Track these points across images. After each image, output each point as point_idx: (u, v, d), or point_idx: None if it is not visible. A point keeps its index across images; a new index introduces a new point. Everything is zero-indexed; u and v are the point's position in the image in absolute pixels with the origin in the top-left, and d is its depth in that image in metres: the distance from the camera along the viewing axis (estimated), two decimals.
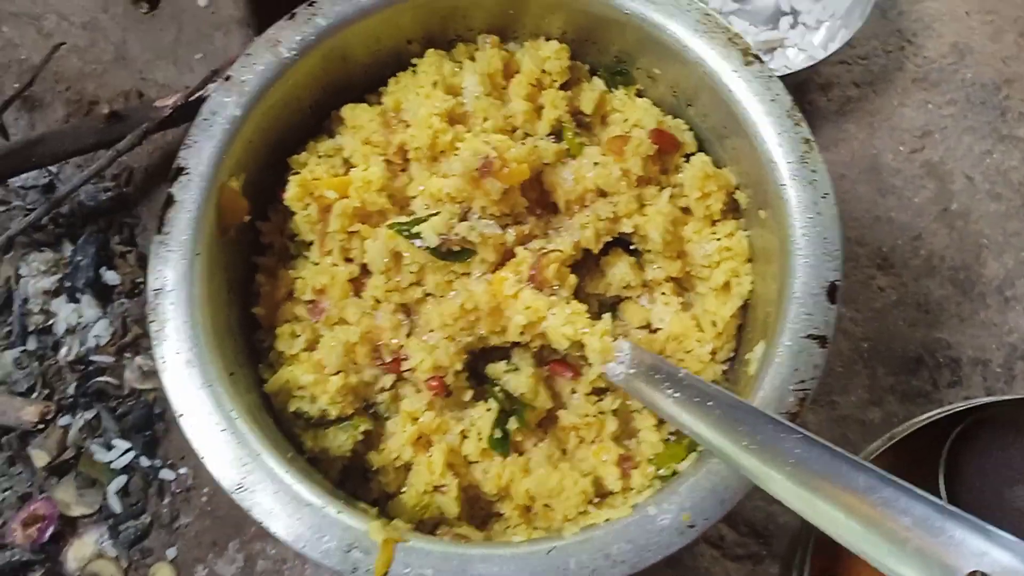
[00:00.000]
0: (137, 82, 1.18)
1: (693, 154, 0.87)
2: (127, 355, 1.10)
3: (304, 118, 0.87)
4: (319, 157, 0.85)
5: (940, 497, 0.91)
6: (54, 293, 1.13)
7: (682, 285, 0.88)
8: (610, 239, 0.85)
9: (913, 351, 1.05)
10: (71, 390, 1.08)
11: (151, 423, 1.07)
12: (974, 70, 1.21)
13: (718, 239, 0.85)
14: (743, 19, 1.20)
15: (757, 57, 0.78)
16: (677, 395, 0.70)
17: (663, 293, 0.87)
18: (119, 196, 1.16)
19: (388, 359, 0.79)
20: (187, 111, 1.07)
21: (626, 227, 0.84)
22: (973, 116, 1.18)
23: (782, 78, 1.03)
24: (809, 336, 0.71)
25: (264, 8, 1.21)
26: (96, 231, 1.15)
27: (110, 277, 1.12)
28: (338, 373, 0.78)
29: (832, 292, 0.72)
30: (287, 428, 0.79)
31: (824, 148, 1.15)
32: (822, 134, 1.16)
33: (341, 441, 0.77)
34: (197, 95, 1.07)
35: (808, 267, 0.73)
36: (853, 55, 1.20)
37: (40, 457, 1.03)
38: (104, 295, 1.12)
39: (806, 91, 1.18)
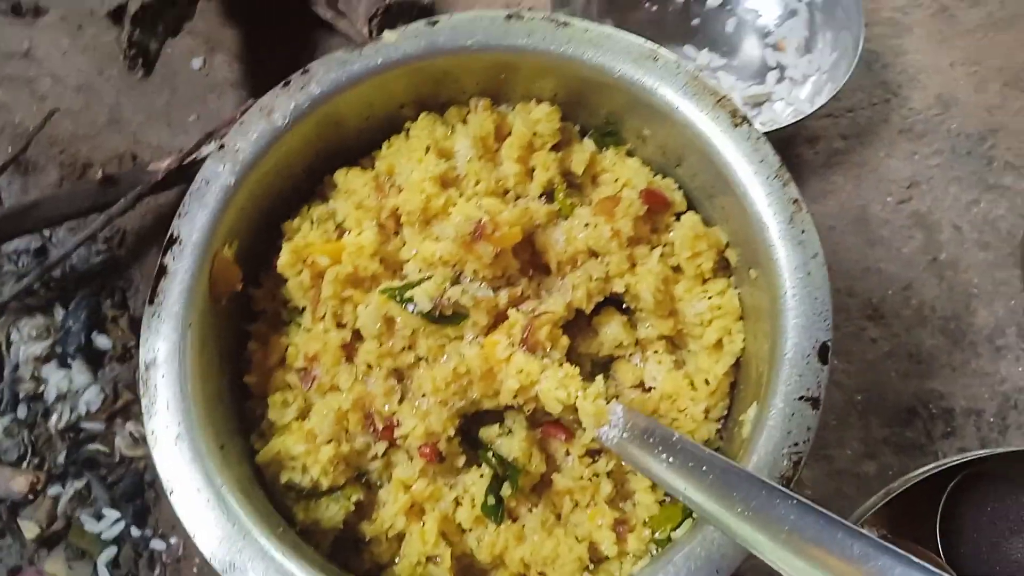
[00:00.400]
0: (131, 145, 1.19)
1: (683, 213, 0.88)
2: (118, 421, 1.09)
3: (298, 183, 0.87)
4: (312, 222, 0.86)
5: (937, 553, 0.90)
6: (45, 359, 1.12)
7: (674, 343, 0.88)
8: (602, 299, 0.86)
9: (906, 402, 1.05)
10: (61, 459, 1.07)
11: (141, 491, 1.05)
12: (959, 121, 1.23)
13: (709, 297, 0.85)
14: (731, 74, 1.21)
15: (745, 119, 0.79)
16: (671, 460, 0.70)
17: (656, 352, 0.87)
18: (111, 259, 1.16)
19: (380, 426, 0.79)
20: (181, 174, 1.08)
21: (618, 287, 0.85)
22: (959, 166, 1.19)
23: (770, 133, 1.06)
24: (801, 398, 0.71)
25: (258, 70, 1.23)
26: (88, 295, 1.15)
27: (101, 342, 1.12)
28: (330, 442, 0.77)
29: (823, 353, 0.72)
30: (278, 500, 0.78)
31: (812, 200, 1.16)
32: (810, 186, 1.17)
33: (333, 512, 0.76)
34: (191, 158, 1.07)
35: (799, 327, 0.73)
36: (839, 108, 1.22)
37: (30, 528, 1.01)
38: (95, 360, 1.12)
39: (794, 144, 1.20)
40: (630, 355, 0.88)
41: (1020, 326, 1.09)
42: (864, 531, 0.55)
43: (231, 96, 1.21)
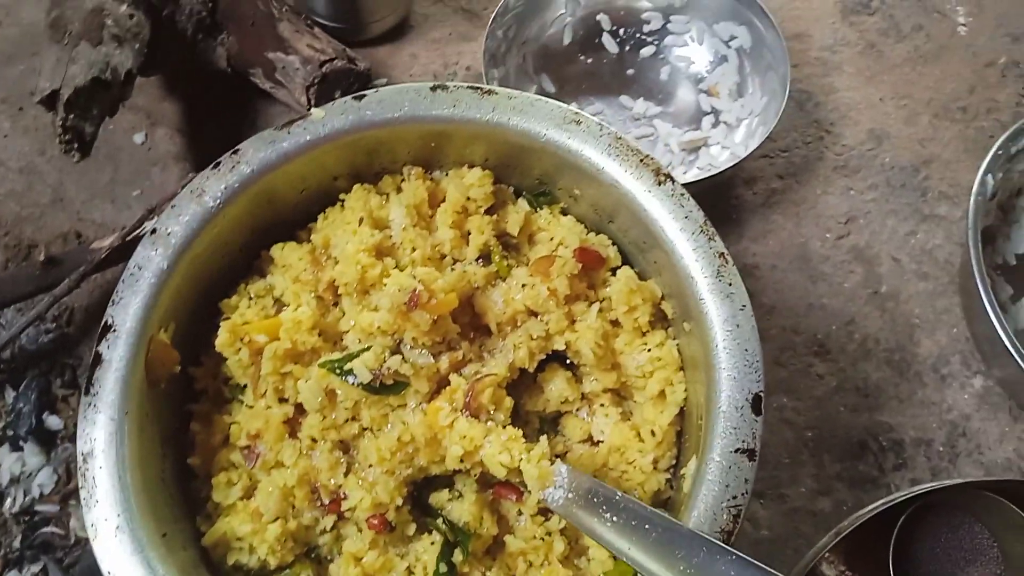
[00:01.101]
0: (75, 223, 1.19)
1: (619, 268, 0.89)
2: (72, 502, 1.07)
3: (234, 260, 0.88)
4: (250, 299, 0.86)
5: None
6: None
7: (620, 395, 0.89)
8: (544, 356, 0.87)
9: (857, 436, 1.06)
10: (17, 543, 1.06)
11: (97, 572, 1.03)
12: (892, 154, 1.26)
13: (648, 350, 0.86)
14: (667, 121, 1.24)
15: (668, 176, 0.81)
16: (614, 519, 0.70)
17: (602, 405, 0.88)
18: (60, 337, 1.16)
19: (327, 500, 0.79)
20: (124, 251, 1.08)
21: (559, 344, 0.86)
22: (895, 199, 1.22)
23: (709, 177, 1.08)
24: (738, 450, 0.72)
25: (200, 142, 1.24)
26: (38, 375, 1.14)
27: (53, 422, 1.11)
28: (276, 520, 0.77)
29: (756, 404, 0.73)
30: None
31: (753, 240, 1.19)
32: (751, 227, 1.19)
33: None
34: (133, 234, 1.08)
35: (731, 380, 0.74)
36: (774, 148, 1.25)
37: None
38: (47, 441, 1.11)
39: (732, 186, 1.22)
40: (577, 409, 0.89)
41: (963, 354, 1.11)
42: None
43: (174, 169, 1.21)
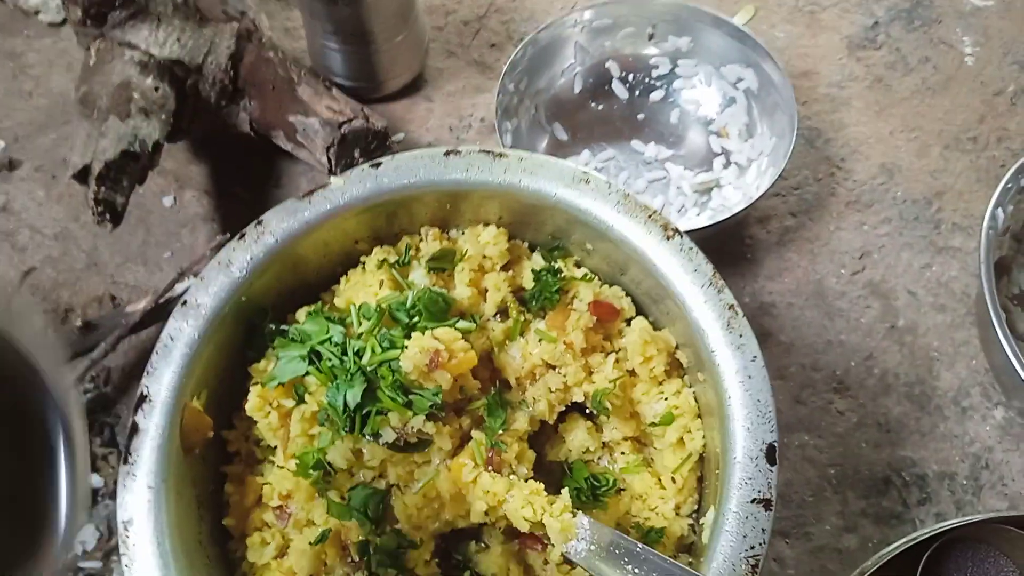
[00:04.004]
0: (109, 286, 1.23)
1: (633, 318, 0.91)
2: (114, 559, 1.11)
3: (262, 324, 0.91)
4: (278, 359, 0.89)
5: None
6: None
7: (640, 442, 0.91)
8: (563, 408, 0.89)
9: (880, 472, 1.07)
10: None
11: None
12: (904, 187, 1.27)
13: (665, 398, 0.88)
14: (678, 164, 1.26)
15: (677, 231, 0.83)
16: (636, 571, 0.72)
17: (623, 453, 0.90)
18: (98, 397, 1.20)
19: (358, 557, 0.81)
20: (158, 312, 1.12)
21: (577, 396, 0.88)
22: (908, 232, 1.23)
23: (723, 220, 1.10)
24: (754, 500, 0.73)
25: (227, 202, 1.28)
26: None
27: (93, 480, 1.15)
28: None
29: (771, 454, 0.75)
30: None
31: (769, 279, 1.20)
32: (766, 266, 1.21)
33: None
34: (166, 296, 1.12)
35: (745, 431, 0.76)
36: (786, 187, 1.26)
37: None
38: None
39: (746, 226, 1.24)
40: (599, 458, 0.91)
41: (983, 385, 1.12)
42: None
43: (203, 230, 1.26)
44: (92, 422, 1.18)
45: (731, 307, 0.80)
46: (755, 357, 0.78)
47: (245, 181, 1.30)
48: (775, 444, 0.75)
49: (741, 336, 0.79)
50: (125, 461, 0.77)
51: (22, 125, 1.39)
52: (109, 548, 1.11)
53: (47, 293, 1.23)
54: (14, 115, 1.40)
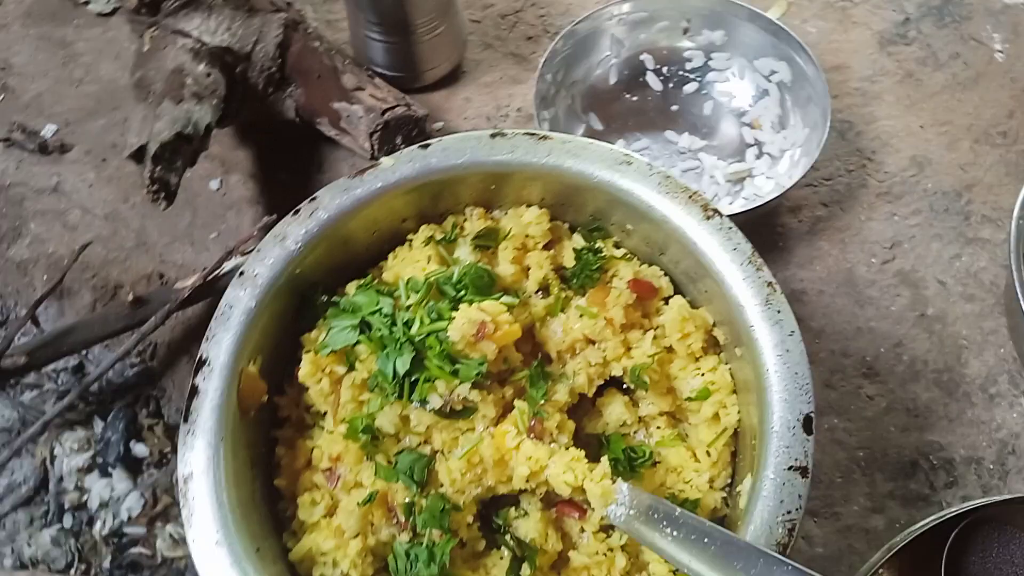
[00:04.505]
0: (157, 265, 1.27)
1: (671, 297, 0.94)
2: (158, 524, 1.15)
3: (313, 296, 0.95)
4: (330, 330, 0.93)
5: None
6: (87, 469, 1.19)
7: (675, 417, 0.94)
8: (602, 381, 0.92)
9: (908, 455, 1.09)
10: (107, 563, 1.13)
11: None
12: (934, 180, 1.29)
13: (702, 374, 0.91)
14: (711, 154, 1.29)
15: (716, 211, 0.86)
16: (675, 534, 0.75)
17: (658, 427, 0.93)
18: (145, 371, 1.24)
19: (403, 518, 0.84)
20: (205, 289, 1.16)
21: (616, 370, 0.91)
22: (938, 223, 1.25)
23: (754, 208, 1.13)
24: (791, 468, 0.76)
25: (271, 186, 1.32)
26: (124, 406, 1.22)
27: (139, 450, 1.19)
28: (357, 536, 0.83)
29: (808, 424, 0.77)
30: None
31: (800, 267, 1.23)
32: (797, 254, 1.23)
33: None
34: (213, 275, 1.16)
35: (783, 402, 0.78)
36: (818, 177, 1.29)
37: None
38: (134, 468, 1.19)
39: (777, 215, 1.26)
40: (635, 432, 0.94)
41: (1011, 373, 1.14)
42: None
43: (248, 213, 1.30)
44: (138, 395, 1.23)
45: (769, 284, 0.83)
46: (792, 331, 0.81)
47: (289, 166, 1.34)
48: (812, 415, 0.78)
49: (779, 312, 0.82)
50: (185, 420, 0.81)
51: (73, 111, 1.44)
52: (153, 514, 1.15)
53: (97, 270, 1.27)
54: (65, 101, 1.45)
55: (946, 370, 1.15)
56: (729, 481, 0.90)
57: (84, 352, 1.26)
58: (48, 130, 1.40)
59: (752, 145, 1.29)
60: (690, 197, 0.87)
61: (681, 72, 1.35)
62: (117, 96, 1.44)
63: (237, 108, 1.23)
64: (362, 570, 0.83)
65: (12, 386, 1.24)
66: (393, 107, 1.21)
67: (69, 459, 1.20)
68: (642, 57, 1.35)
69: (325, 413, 0.90)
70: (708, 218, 0.86)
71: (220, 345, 0.84)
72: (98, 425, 1.22)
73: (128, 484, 1.18)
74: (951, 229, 1.25)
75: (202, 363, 0.83)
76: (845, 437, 1.11)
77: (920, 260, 1.23)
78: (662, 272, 0.95)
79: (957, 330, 1.17)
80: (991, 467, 1.08)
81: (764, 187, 1.25)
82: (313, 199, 0.90)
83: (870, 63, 1.40)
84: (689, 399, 0.91)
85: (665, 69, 1.35)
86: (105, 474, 1.18)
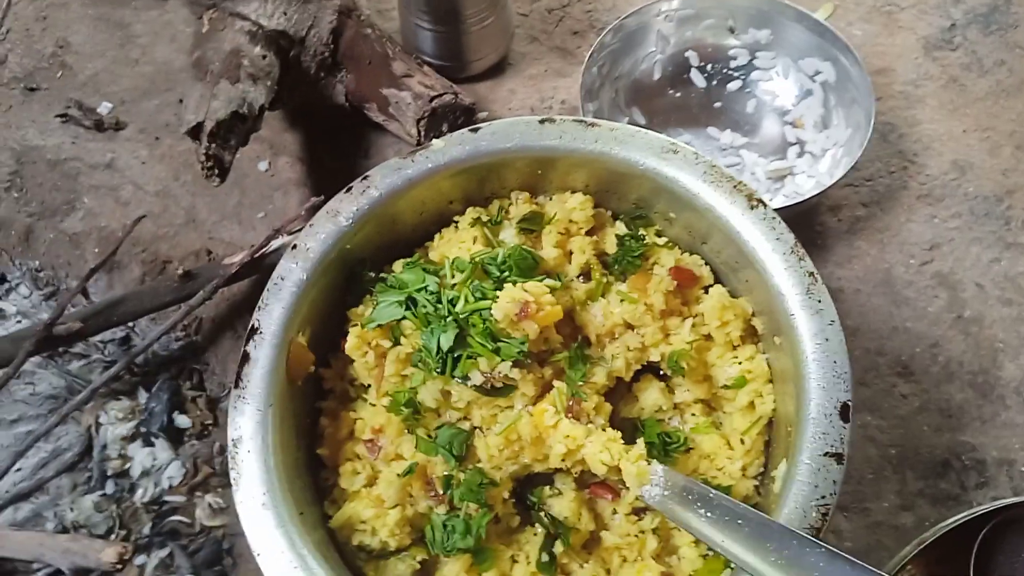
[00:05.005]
0: (206, 242, 1.31)
1: (711, 286, 0.96)
2: (198, 494, 1.18)
3: (362, 273, 0.97)
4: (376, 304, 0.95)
5: None
6: (131, 438, 1.23)
7: (710, 405, 0.95)
8: (640, 367, 0.94)
9: (940, 455, 1.10)
10: (146, 530, 1.16)
11: (220, 558, 1.14)
12: (975, 184, 1.29)
13: (739, 363, 0.92)
14: (753, 151, 1.30)
15: (760, 201, 0.87)
16: (709, 515, 0.76)
17: (693, 414, 0.94)
18: (189, 344, 1.27)
19: (441, 491, 0.86)
20: (252, 266, 1.19)
21: (654, 356, 0.92)
22: (978, 227, 1.25)
23: (794, 204, 1.14)
24: (826, 454, 0.77)
25: (318, 169, 1.35)
26: (168, 378, 1.25)
27: (182, 421, 1.22)
28: (396, 507, 0.85)
29: (845, 412, 0.78)
30: (350, 561, 0.86)
31: (838, 265, 1.23)
32: (835, 252, 1.24)
33: (400, 571, 0.84)
34: (260, 252, 1.19)
35: (821, 389, 0.79)
36: (859, 177, 1.29)
37: None
38: (176, 438, 1.22)
39: (817, 213, 1.27)
40: (669, 418, 0.95)
41: None
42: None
43: (295, 194, 1.33)
44: (182, 367, 1.26)
45: (811, 274, 0.84)
46: (832, 321, 0.82)
47: (335, 151, 1.37)
48: (849, 403, 0.79)
49: (820, 302, 0.83)
50: (236, 386, 0.84)
51: (128, 90, 1.48)
52: (194, 484, 1.18)
53: (147, 245, 1.31)
54: (121, 81, 1.49)
55: (981, 372, 1.15)
56: (761, 470, 0.91)
57: (131, 325, 1.29)
58: (104, 108, 1.44)
59: (794, 144, 1.30)
60: (735, 187, 0.88)
61: (725, 70, 1.36)
62: (171, 77, 1.48)
63: (289, 91, 1.26)
64: (400, 539, 0.85)
65: (60, 355, 1.28)
66: (441, 95, 1.24)
67: (114, 428, 1.23)
68: (687, 54, 1.36)
69: (369, 386, 0.92)
70: (753, 208, 0.87)
71: (271, 315, 0.87)
72: (143, 396, 1.25)
73: (170, 454, 1.21)
74: (991, 233, 1.25)
75: (254, 331, 0.86)
76: (877, 434, 1.11)
77: (959, 263, 1.23)
78: (703, 261, 0.96)
79: (994, 333, 1.18)
80: (1023, 470, 1.08)
81: (804, 185, 1.25)
82: (365, 177, 0.93)
83: (915, 67, 1.40)
84: (725, 387, 0.92)
85: (709, 66, 1.36)
86: (148, 443, 1.22)
